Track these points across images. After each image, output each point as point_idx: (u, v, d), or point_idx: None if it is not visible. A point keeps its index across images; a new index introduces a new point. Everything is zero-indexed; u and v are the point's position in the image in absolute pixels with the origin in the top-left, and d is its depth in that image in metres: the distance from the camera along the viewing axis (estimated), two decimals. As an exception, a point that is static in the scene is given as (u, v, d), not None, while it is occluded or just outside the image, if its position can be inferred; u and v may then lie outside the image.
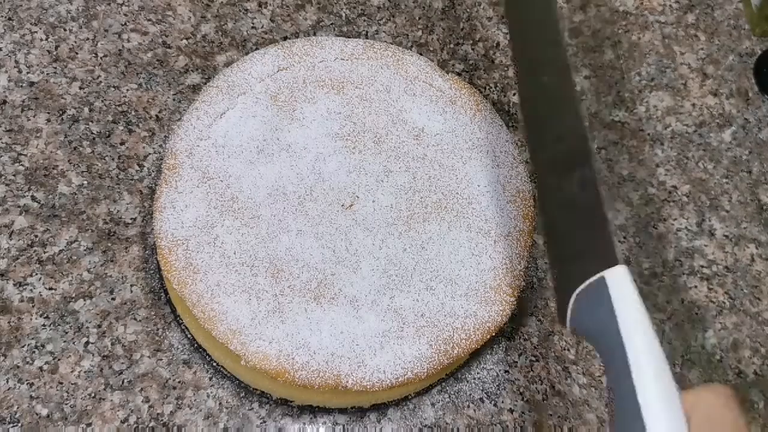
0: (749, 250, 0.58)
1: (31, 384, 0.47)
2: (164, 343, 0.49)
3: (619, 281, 0.33)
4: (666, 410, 0.30)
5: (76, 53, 0.57)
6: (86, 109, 0.55)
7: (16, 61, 0.55)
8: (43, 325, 0.48)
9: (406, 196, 0.48)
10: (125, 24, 0.58)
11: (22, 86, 0.55)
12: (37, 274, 0.50)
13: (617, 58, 0.64)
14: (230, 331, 0.43)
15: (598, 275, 0.34)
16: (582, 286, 0.34)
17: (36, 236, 0.51)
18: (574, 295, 0.35)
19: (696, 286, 0.57)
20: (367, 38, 0.62)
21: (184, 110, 0.56)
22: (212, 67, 0.58)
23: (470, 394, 0.51)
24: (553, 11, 0.47)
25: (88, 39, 0.57)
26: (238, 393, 0.49)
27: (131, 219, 0.52)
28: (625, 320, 0.32)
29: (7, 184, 0.52)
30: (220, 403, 0.48)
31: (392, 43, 0.59)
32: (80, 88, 0.56)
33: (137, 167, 0.54)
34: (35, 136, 0.53)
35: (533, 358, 0.53)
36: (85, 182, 0.53)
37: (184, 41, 0.59)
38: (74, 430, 0.46)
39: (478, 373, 0.51)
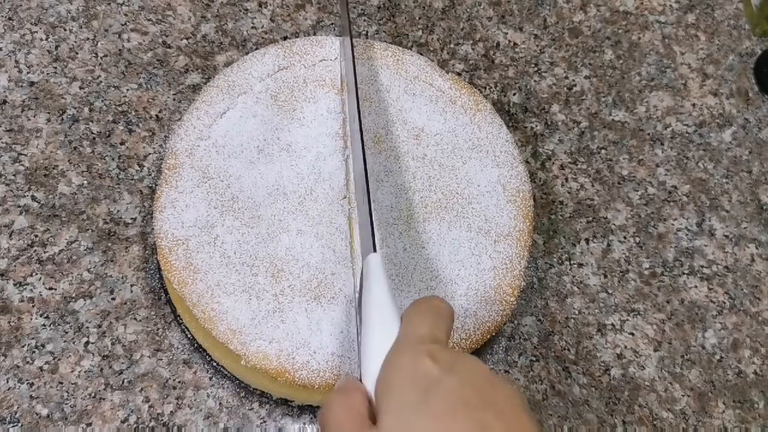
0: (749, 250, 0.58)
1: (31, 384, 0.47)
2: (164, 343, 0.49)
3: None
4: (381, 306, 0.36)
5: (76, 53, 0.57)
6: (86, 109, 0.55)
7: (16, 61, 0.55)
8: (43, 324, 0.48)
9: (405, 196, 0.48)
10: (125, 24, 0.58)
11: (22, 86, 0.55)
12: (37, 274, 0.50)
13: (617, 58, 0.64)
14: (230, 331, 0.43)
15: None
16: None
17: (36, 236, 0.51)
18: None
19: (696, 286, 0.57)
20: (367, 38, 0.62)
21: (184, 110, 0.56)
22: (212, 67, 0.58)
23: (470, 394, 0.51)
24: None
25: (88, 39, 0.57)
26: (238, 393, 0.49)
27: (131, 219, 0.52)
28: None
29: (7, 184, 0.52)
30: (220, 403, 0.48)
31: (392, 43, 0.59)
32: (80, 88, 0.56)
33: (137, 167, 0.54)
34: (35, 136, 0.53)
35: (533, 358, 0.52)
36: (85, 182, 0.53)
37: (184, 41, 0.59)
38: (74, 430, 0.46)
39: (478, 373, 0.51)
